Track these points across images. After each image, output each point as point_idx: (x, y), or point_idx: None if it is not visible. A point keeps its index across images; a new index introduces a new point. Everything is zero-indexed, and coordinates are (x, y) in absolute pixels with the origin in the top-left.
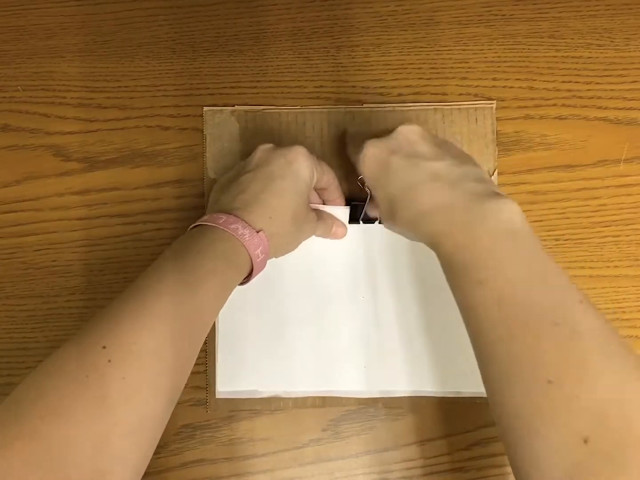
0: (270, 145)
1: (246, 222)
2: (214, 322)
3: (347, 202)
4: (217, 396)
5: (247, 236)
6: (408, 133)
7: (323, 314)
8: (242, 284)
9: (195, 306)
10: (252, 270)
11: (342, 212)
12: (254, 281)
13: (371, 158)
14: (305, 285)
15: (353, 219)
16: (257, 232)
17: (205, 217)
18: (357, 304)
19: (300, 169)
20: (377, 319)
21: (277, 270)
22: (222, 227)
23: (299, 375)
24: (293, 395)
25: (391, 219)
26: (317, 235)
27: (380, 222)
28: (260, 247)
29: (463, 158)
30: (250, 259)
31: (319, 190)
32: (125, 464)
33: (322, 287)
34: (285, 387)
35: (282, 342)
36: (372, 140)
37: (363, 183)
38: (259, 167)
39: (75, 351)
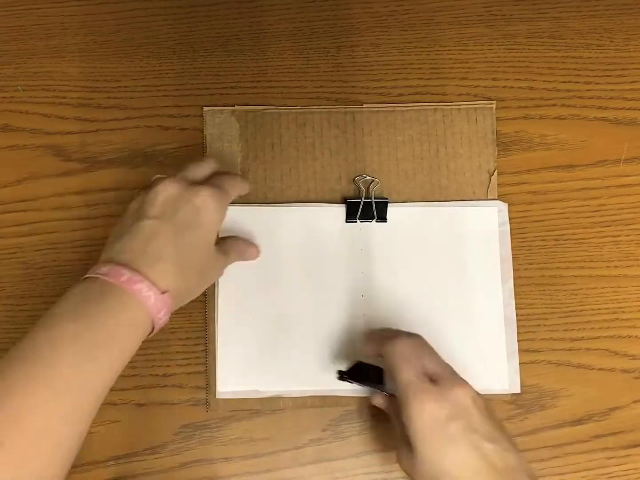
0: (173, 181)
1: (151, 282)
2: (215, 323)
3: (343, 200)
4: (218, 396)
5: (152, 299)
6: (463, 396)
7: (322, 312)
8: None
9: (94, 377)
10: (152, 330)
11: (338, 210)
12: (253, 281)
13: (429, 415)
14: (303, 285)
15: (349, 217)
16: (162, 293)
17: (104, 269)
18: (355, 302)
19: (209, 216)
20: (377, 316)
21: (276, 270)
22: (125, 287)
23: (299, 375)
24: (294, 395)
25: None
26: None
27: (377, 221)
28: (164, 310)
29: (510, 440)
30: (152, 323)
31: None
32: None
33: (320, 286)
34: (286, 386)
35: (281, 342)
36: (427, 389)
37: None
38: (164, 214)
39: None
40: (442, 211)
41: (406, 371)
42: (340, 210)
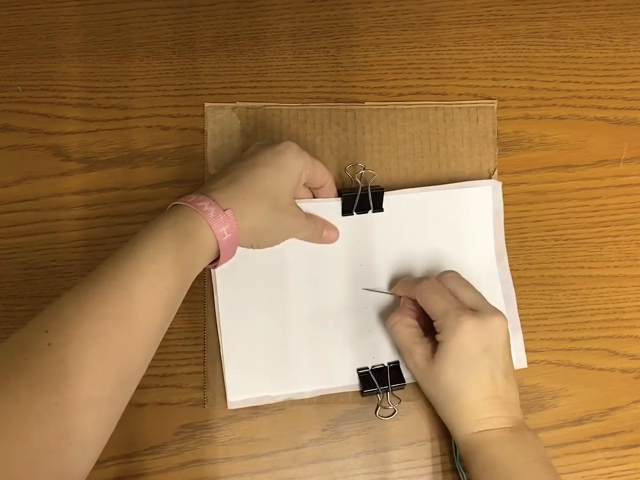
0: (267, 142)
1: (213, 201)
2: (218, 332)
3: (339, 194)
4: (229, 407)
5: (211, 213)
6: (499, 328)
7: (324, 309)
8: (212, 266)
9: (144, 288)
10: (219, 253)
11: (334, 204)
12: (252, 283)
13: (468, 339)
14: (304, 283)
15: (346, 211)
16: (224, 210)
17: (181, 199)
18: (357, 295)
19: (287, 160)
20: (378, 308)
21: (275, 271)
22: (187, 205)
23: (308, 376)
24: (306, 396)
25: (444, 397)
26: (307, 239)
27: (373, 212)
28: (227, 226)
29: (516, 382)
30: (216, 238)
31: (313, 190)
32: (71, 441)
33: (320, 282)
34: (296, 389)
35: (287, 342)
36: (469, 316)
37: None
38: (248, 157)
39: (19, 335)
40: (436, 195)
41: (440, 301)
42: (336, 204)
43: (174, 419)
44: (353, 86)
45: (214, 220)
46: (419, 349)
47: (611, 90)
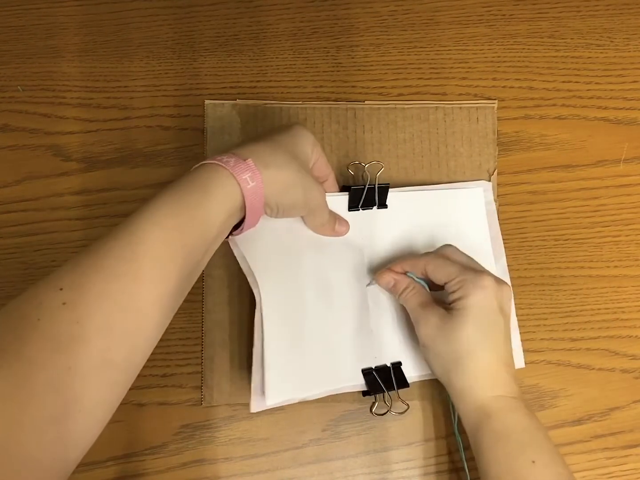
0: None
1: (233, 153)
2: (257, 335)
3: (345, 189)
4: (267, 406)
5: (232, 162)
6: (508, 296)
7: (332, 307)
8: (239, 228)
9: (160, 243)
10: (244, 211)
11: (340, 198)
12: (286, 284)
13: (485, 302)
14: (316, 281)
15: (352, 206)
16: (245, 160)
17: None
18: (362, 292)
19: (300, 129)
20: (381, 308)
21: (287, 269)
22: (212, 161)
23: (320, 376)
24: (343, 392)
25: (456, 357)
26: (320, 229)
27: (378, 208)
28: (249, 174)
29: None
30: (239, 185)
31: None
32: (81, 408)
33: (328, 279)
34: (329, 386)
35: (309, 341)
36: (487, 279)
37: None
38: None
39: (33, 290)
40: (433, 194)
41: (454, 263)
42: (342, 199)
43: (174, 419)
44: (353, 86)
45: (234, 168)
46: (433, 310)
47: (611, 90)
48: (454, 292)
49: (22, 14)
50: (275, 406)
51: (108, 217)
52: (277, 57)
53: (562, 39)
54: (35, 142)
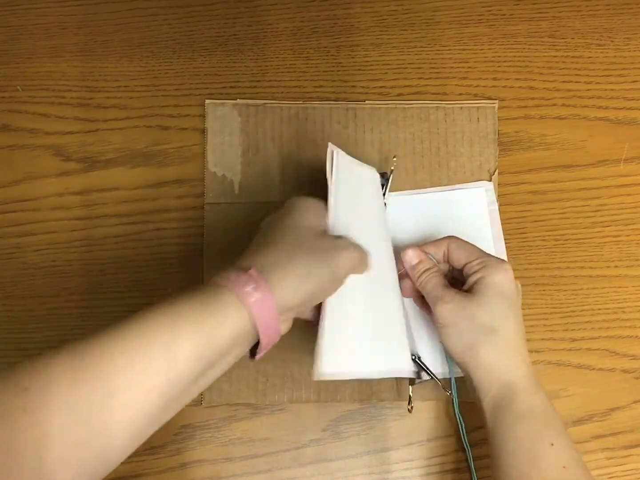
0: (321, 224)
1: (234, 267)
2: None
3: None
4: (320, 377)
5: (232, 277)
6: (518, 283)
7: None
8: (254, 353)
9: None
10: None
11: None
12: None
13: (508, 284)
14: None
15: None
16: (246, 271)
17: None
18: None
19: (296, 202)
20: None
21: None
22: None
23: (391, 355)
24: (393, 375)
25: (474, 335)
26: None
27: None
28: (252, 285)
29: None
30: (242, 302)
31: None
32: None
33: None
34: (382, 365)
35: (364, 321)
36: (507, 263)
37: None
38: (297, 240)
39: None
40: (434, 196)
41: (473, 246)
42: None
43: (174, 419)
44: (353, 86)
45: (235, 283)
46: (453, 290)
47: (611, 90)
48: (475, 272)
49: (22, 14)
50: (332, 378)
51: (108, 217)
52: (277, 57)
53: (562, 38)
54: (35, 142)
